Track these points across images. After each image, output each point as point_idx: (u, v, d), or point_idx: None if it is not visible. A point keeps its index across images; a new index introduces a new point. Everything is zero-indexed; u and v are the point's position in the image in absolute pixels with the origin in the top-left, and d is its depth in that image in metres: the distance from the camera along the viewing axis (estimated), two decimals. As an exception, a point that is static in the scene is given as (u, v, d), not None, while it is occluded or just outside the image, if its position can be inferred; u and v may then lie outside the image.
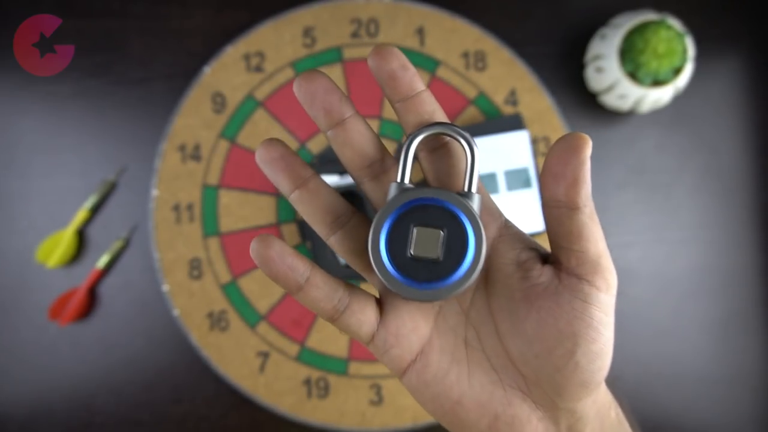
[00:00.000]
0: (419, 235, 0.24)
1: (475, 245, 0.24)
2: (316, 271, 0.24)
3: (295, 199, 0.25)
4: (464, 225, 0.24)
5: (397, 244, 0.24)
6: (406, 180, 0.24)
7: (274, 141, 0.24)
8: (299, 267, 0.24)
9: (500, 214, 0.26)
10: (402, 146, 0.24)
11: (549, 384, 0.24)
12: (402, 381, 0.26)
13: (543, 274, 0.24)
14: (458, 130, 0.24)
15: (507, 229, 0.26)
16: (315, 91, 0.24)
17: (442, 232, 0.24)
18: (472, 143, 0.24)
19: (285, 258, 0.23)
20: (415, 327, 0.25)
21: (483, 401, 0.25)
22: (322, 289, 0.24)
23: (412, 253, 0.24)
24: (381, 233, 0.24)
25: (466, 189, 0.24)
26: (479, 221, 0.24)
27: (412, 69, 0.24)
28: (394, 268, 0.24)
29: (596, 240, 0.23)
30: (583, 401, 0.24)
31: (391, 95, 0.24)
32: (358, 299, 0.25)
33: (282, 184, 0.25)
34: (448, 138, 0.25)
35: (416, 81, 0.24)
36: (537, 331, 0.24)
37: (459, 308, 0.26)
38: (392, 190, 0.24)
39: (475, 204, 0.24)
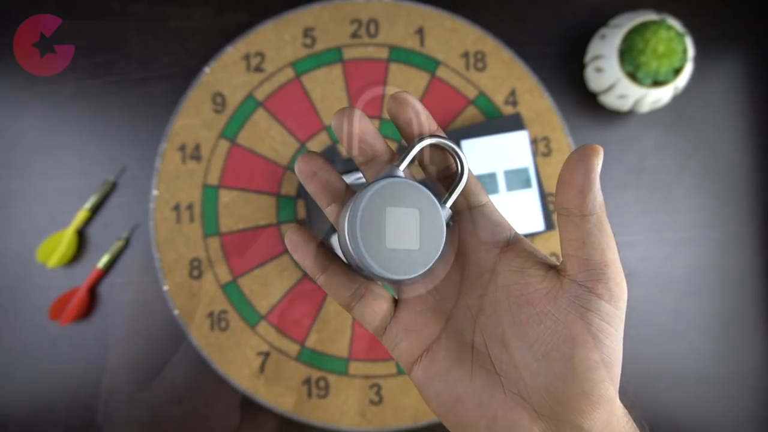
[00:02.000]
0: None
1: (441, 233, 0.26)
2: (339, 262, 0.27)
3: (330, 212, 0.28)
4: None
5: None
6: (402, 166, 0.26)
7: (312, 155, 0.27)
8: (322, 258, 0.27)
9: (510, 228, 0.28)
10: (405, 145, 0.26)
11: (548, 391, 0.24)
12: (410, 376, 0.27)
13: (546, 279, 0.25)
14: (458, 150, 0.27)
15: (517, 242, 0.27)
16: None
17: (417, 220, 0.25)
18: (465, 165, 0.27)
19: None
20: (425, 325, 0.27)
21: (482, 401, 0.25)
22: (343, 276, 0.27)
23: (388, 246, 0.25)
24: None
25: (444, 202, 0.26)
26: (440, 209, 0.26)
27: (425, 112, 0.26)
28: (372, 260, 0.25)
29: (602, 249, 0.24)
30: (589, 418, 0.24)
31: (408, 136, 0.27)
32: (373, 293, 0.27)
33: (319, 198, 0.27)
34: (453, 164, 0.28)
35: (429, 121, 0.26)
36: (537, 335, 0.24)
37: (470, 313, 0.27)
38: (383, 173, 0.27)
39: (445, 214, 0.26)
